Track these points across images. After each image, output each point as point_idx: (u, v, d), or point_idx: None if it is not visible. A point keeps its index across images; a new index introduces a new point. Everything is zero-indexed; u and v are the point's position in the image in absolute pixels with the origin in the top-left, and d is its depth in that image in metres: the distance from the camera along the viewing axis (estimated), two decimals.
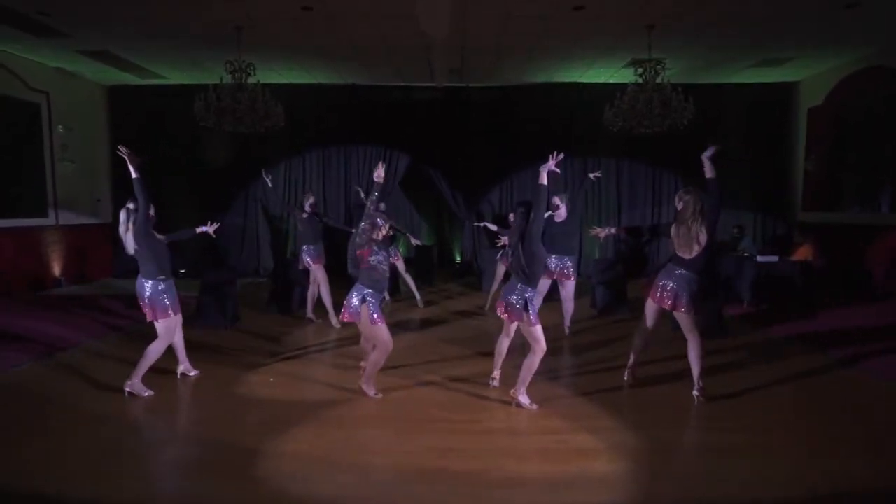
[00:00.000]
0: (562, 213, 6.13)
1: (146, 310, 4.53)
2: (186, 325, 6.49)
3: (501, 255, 6.86)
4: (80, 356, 5.61)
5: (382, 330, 4.32)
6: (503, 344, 4.62)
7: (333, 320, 6.73)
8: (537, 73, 9.69)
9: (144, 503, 3.07)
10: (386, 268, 4.38)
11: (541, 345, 4.14)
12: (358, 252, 4.31)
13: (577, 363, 5.56)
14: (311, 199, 7.10)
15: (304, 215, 6.93)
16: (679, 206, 4.32)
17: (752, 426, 3.94)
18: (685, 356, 4.40)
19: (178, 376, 4.93)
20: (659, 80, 7.60)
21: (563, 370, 5.33)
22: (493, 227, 7.43)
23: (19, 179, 8.72)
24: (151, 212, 4.49)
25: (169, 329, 4.56)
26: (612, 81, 9.90)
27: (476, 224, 8.88)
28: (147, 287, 4.49)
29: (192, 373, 4.99)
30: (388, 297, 7.89)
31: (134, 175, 4.40)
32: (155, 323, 4.54)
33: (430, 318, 7.46)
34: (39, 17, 6.77)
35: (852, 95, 8.91)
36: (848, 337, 6.00)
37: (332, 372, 5.20)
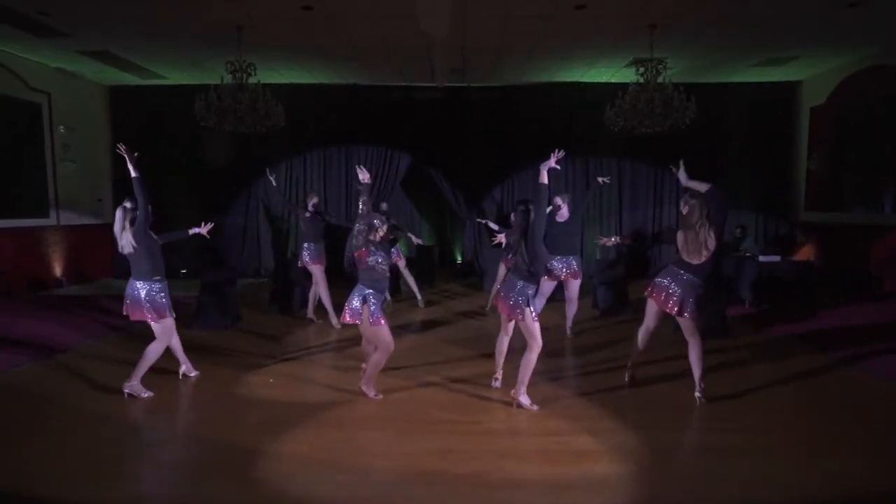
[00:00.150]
0: (564, 214, 6.10)
1: (139, 312, 4.46)
2: (187, 326, 6.55)
3: (505, 255, 6.84)
4: (80, 356, 5.61)
5: (384, 331, 4.31)
6: (503, 343, 4.61)
7: (334, 321, 6.72)
8: (538, 73, 9.68)
9: None
10: (385, 268, 4.37)
11: (537, 341, 4.13)
12: (356, 253, 4.31)
13: (579, 364, 5.54)
14: (315, 199, 7.10)
15: (307, 214, 6.93)
16: (684, 210, 4.24)
17: (752, 426, 3.93)
18: (686, 356, 4.39)
19: (180, 377, 4.93)
20: (660, 79, 7.58)
21: (565, 371, 5.32)
22: (495, 227, 7.41)
23: (20, 180, 8.73)
24: (149, 210, 4.49)
25: (166, 330, 4.56)
26: (613, 81, 9.88)
27: (479, 220, 8.88)
28: (142, 289, 4.46)
29: (193, 373, 4.98)
30: (388, 298, 7.88)
31: (133, 174, 4.40)
32: (152, 324, 4.53)
33: (431, 318, 7.45)
34: (39, 16, 6.77)
35: (854, 95, 8.88)
36: (849, 337, 5.98)
37: (332, 373, 5.20)
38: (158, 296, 4.48)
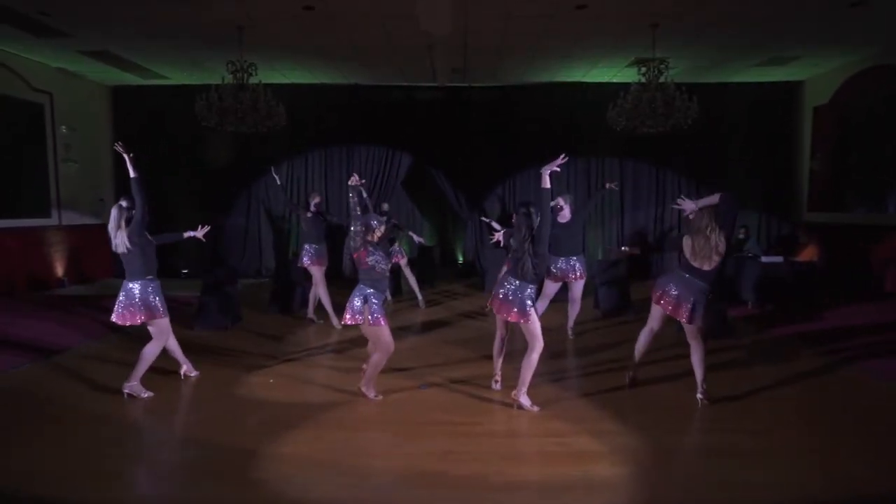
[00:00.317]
0: (566, 214, 6.07)
1: (131, 315, 4.41)
2: (188, 326, 6.56)
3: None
4: (80, 357, 5.61)
5: (384, 331, 4.30)
6: (499, 342, 4.60)
7: (335, 321, 6.71)
8: (540, 73, 9.66)
9: None
10: (384, 267, 4.36)
11: (539, 342, 4.12)
12: (354, 255, 4.30)
13: (580, 365, 5.52)
14: (317, 199, 7.09)
15: (309, 215, 6.93)
16: (691, 215, 4.19)
17: (754, 428, 3.91)
18: (688, 356, 4.37)
19: (182, 377, 4.93)
20: (662, 79, 7.55)
21: (566, 372, 5.30)
22: (497, 227, 7.38)
23: (23, 180, 8.74)
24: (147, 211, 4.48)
25: (162, 330, 4.55)
26: (615, 81, 9.86)
27: (482, 219, 8.87)
28: (135, 289, 4.44)
29: (194, 373, 4.98)
30: (389, 298, 7.87)
31: (132, 175, 4.41)
32: (147, 325, 4.51)
33: (432, 319, 7.44)
34: (40, 16, 6.77)
35: (857, 95, 8.85)
36: (851, 338, 5.96)
37: (332, 374, 5.19)
38: (151, 296, 4.46)
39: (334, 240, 7.77)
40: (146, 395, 4.47)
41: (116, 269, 10.22)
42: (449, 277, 10.56)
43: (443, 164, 10.64)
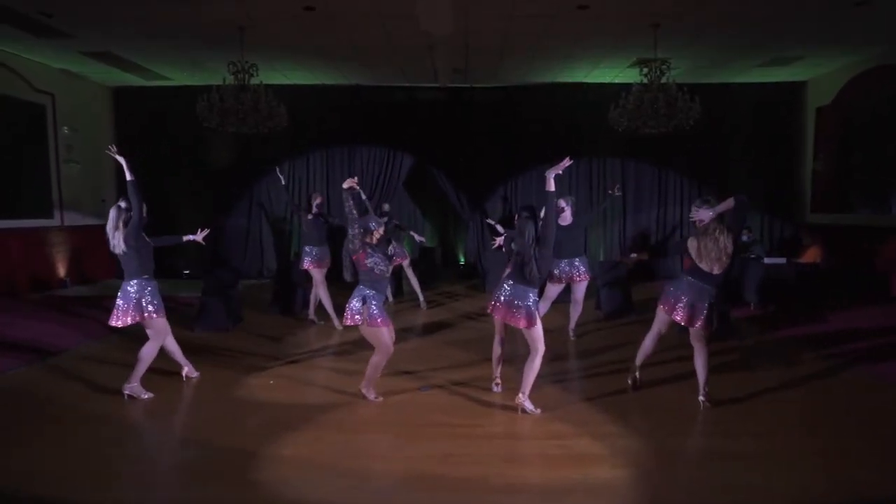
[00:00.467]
0: (567, 217, 6.03)
1: (128, 314, 4.41)
2: (189, 327, 6.55)
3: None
4: (80, 357, 5.60)
5: (384, 332, 4.28)
6: (498, 348, 4.56)
7: (336, 322, 6.70)
8: (542, 74, 9.65)
9: None
10: (384, 268, 4.34)
11: (542, 346, 4.09)
12: (353, 257, 4.29)
13: (582, 367, 5.50)
14: (319, 200, 7.08)
15: (310, 217, 6.92)
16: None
17: (757, 431, 3.89)
18: (690, 358, 4.34)
19: (184, 378, 4.92)
20: (664, 79, 7.53)
21: (568, 374, 5.27)
22: (500, 229, 7.35)
23: (25, 180, 8.75)
24: (144, 213, 4.48)
25: (158, 330, 4.53)
26: (616, 81, 9.84)
27: (486, 221, 8.85)
28: (132, 289, 4.43)
29: (194, 374, 4.97)
30: (390, 298, 7.85)
31: (129, 178, 4.46)
32: (143, 326, 4.50)
33: (433, 320, 7.42)
34: (40, 17, 6.77)
35: (861, 95, 8.81)
36: (856, 340, 5.92)
37: (332, 375, 5.17)
38: (147, 296, 4.45)
39: (336, 241, 7.73)
40: (146, 396, 4.46)
41: (118, 270, 10.17)
42: (450, 278, 10.55)
43: (444, 165, 10.62)
